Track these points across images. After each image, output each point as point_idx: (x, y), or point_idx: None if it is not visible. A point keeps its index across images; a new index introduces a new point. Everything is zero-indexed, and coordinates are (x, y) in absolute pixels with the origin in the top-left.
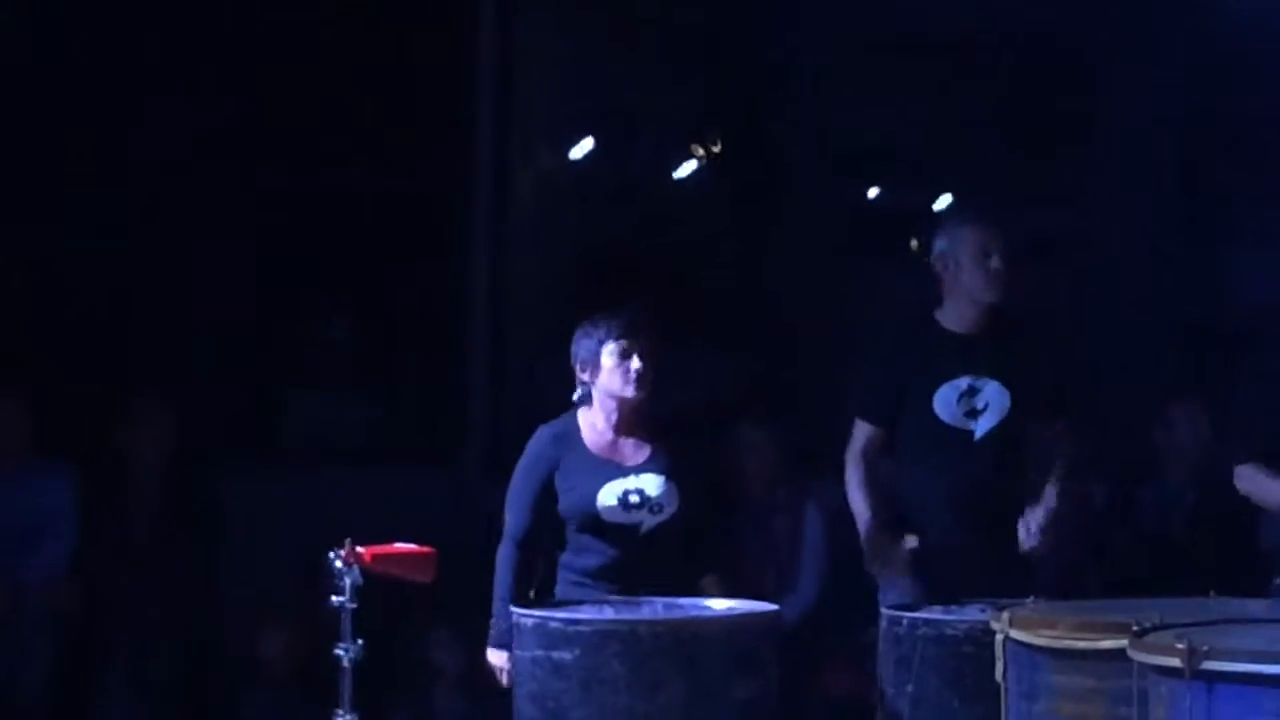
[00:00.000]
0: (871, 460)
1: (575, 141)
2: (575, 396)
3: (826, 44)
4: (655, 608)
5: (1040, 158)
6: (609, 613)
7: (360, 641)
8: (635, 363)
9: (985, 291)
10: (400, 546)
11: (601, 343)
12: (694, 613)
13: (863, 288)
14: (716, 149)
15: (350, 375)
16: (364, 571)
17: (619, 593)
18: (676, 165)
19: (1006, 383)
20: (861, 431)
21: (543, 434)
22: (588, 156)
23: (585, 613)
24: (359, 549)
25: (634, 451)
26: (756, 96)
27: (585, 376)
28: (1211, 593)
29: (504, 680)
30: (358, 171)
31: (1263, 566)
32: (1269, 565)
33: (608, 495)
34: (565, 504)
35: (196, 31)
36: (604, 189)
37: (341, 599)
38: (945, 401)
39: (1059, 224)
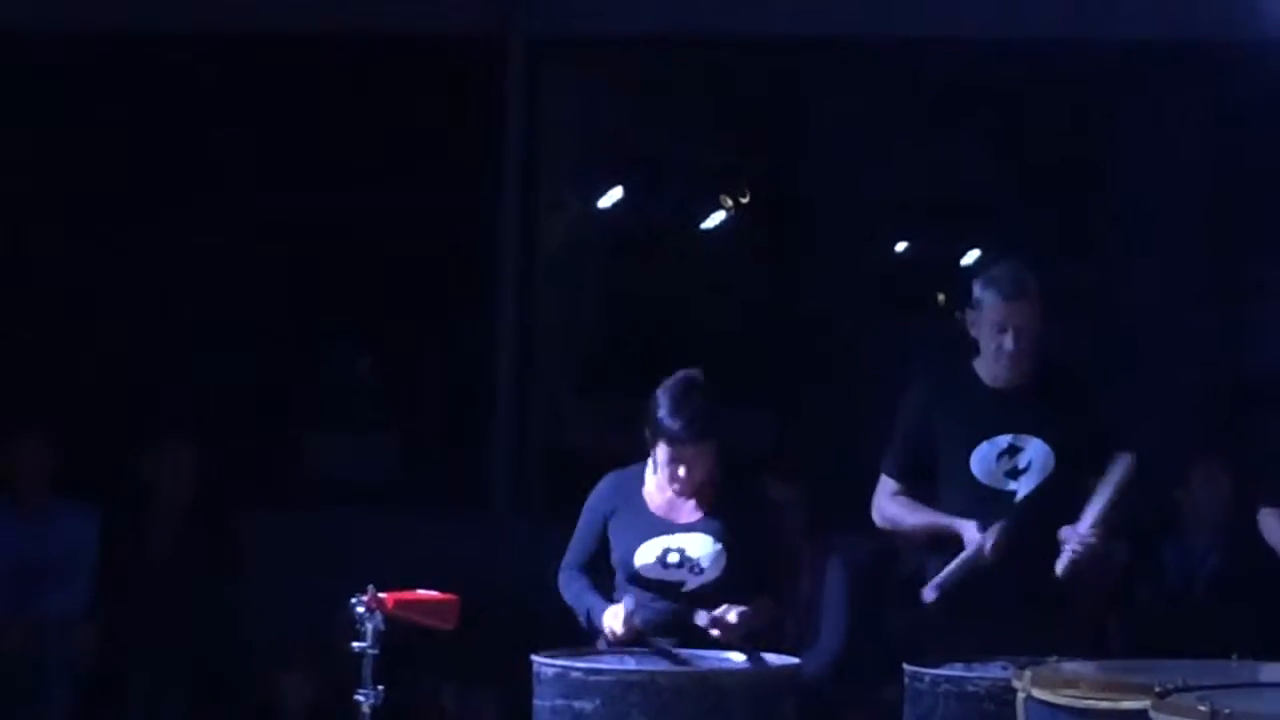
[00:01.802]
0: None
1: (604, 190)
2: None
3: (856, 96)
4: (676, 659)
5: (1065, 212)
6: (630, 663)
7: (381, 688)
8: (681, 471)
9: (995, 367)
10: (423, 593)
11: (656, 434)
12: (715, 664)
13: (890, 342)
14: (745, 200)
15: (374, 417)
16: (386, 617)
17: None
18: (705, 215)
19: (1051, 441)
20: (886, 485)
21: (607, 481)
22: (616, 205)
23: (606, 662)
24: (381, 595)
25: (691, 510)
26: (785, 148)
27: (649, 441)
28: (1235, 655)
29: (620, 628)
30: (385, 215)
31: None
32: None
33: (646, 553)
34: (613, 556)
35: (225, 78)
36: (631, 238)
37: (363, 644)
38: (983, 460)
39: (1083, 278)
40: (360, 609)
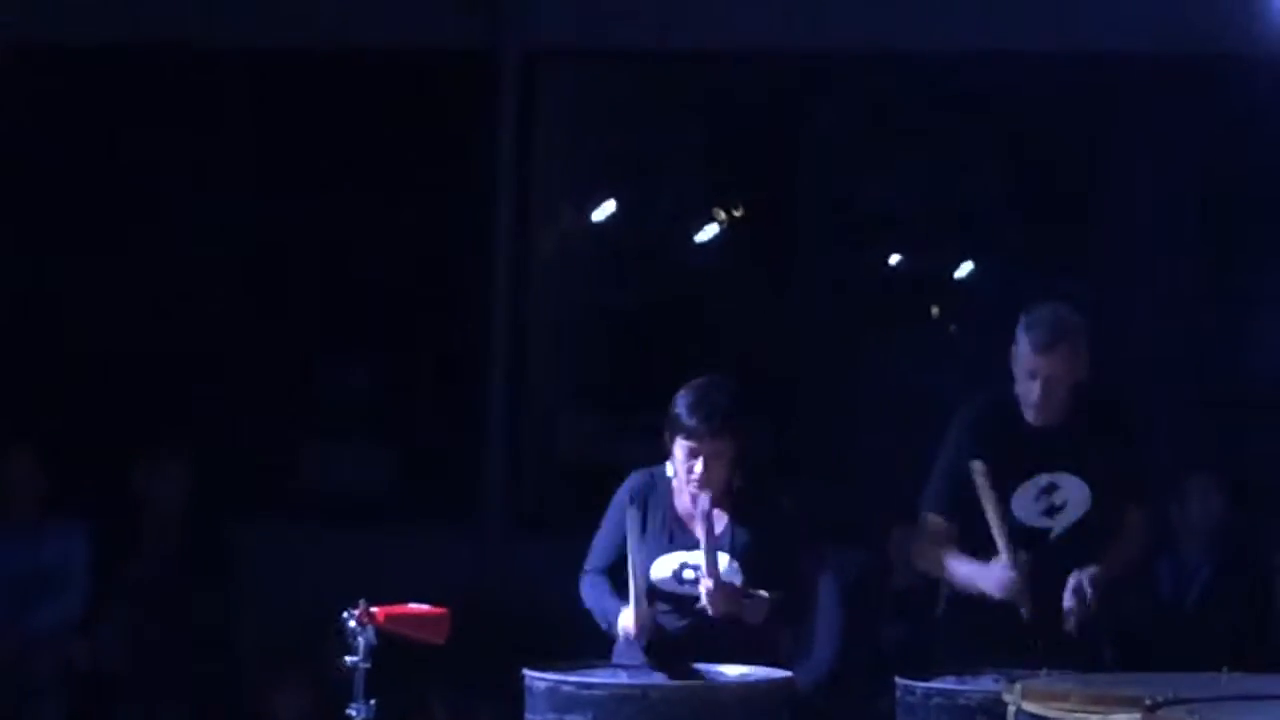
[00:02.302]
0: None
1: (597, 202)
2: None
3: (849, 109)
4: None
5: (1059, 224)
6: (623, 677)
7: (373, 701)
8: (697, 469)
9: (1026, 410)
10: (413, 607)
11: (674, 430)
12: (708, 678)
13: (883, 355)
14: (738, 213)
15: (367, 430)
16: (377, 631)
17: (675, 659)
18: (698, 228)
19: (1087, 477)
20: (929, 524)
21: (630, 482)
22: (609, 218)
23: (599, 676)
24: (372, 609)
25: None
26: (778, 161)
27: (667, 442)
28: (1225, 669)
29: (634, 626)
30: (380, 227)
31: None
32: None
33: (663, 566)
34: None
35: (223, 91)
36: (625, 250)
37: (355, 659)
38: (1023, 502)
39: (1077, 291)
40: (351, 623)
